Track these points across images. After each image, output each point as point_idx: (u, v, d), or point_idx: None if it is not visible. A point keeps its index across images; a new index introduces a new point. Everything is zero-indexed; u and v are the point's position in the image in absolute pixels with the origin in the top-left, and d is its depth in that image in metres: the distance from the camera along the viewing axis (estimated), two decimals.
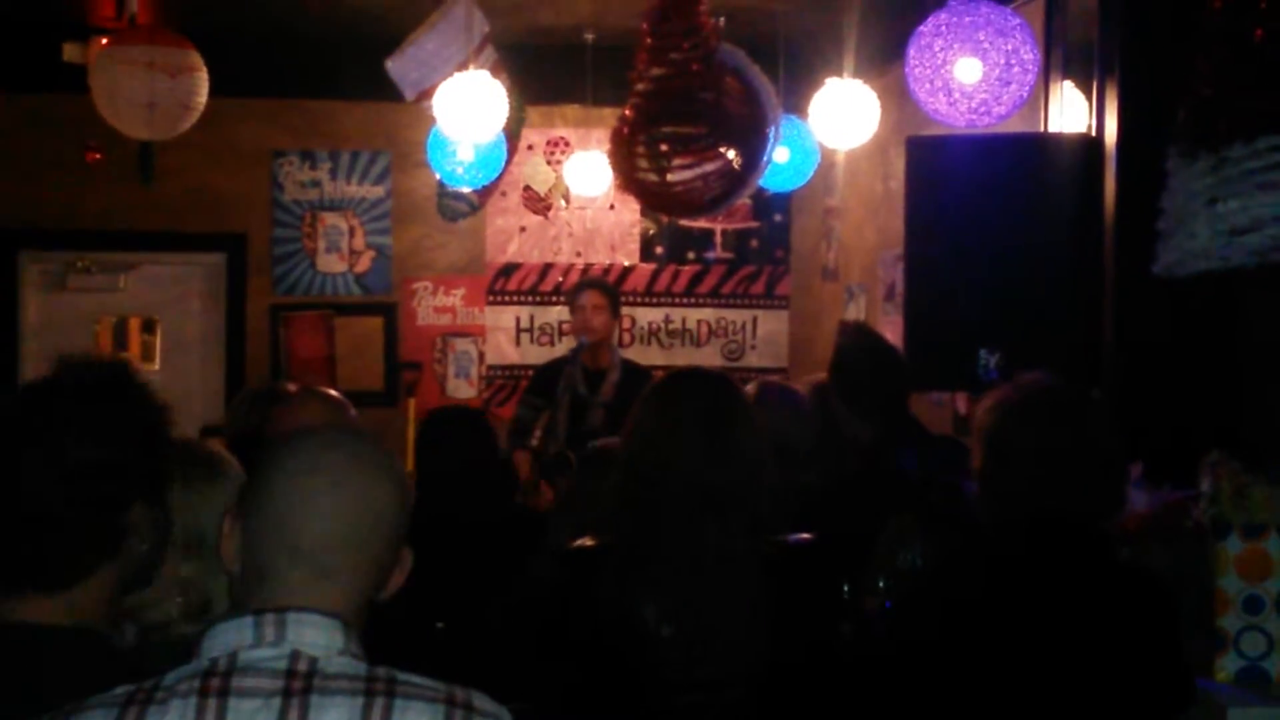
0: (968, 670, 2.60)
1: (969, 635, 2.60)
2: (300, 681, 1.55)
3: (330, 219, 8.17)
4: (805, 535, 2.84)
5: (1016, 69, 4.21)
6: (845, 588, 3.18)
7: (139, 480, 1.97)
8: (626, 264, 8.34)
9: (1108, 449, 2.68)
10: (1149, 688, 2.64)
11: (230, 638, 1.59)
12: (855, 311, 7.25)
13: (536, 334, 8.29)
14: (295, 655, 1.58)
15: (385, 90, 6.39)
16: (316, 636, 1.59)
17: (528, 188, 8.27)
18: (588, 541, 2.81)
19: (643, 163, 4.91)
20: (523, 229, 8.29)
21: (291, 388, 4.18)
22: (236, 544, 1.70)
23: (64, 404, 1.94)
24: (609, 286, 6.90)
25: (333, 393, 3.62)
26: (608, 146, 5.19)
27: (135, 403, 2.01)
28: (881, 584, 3.19)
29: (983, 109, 4.23)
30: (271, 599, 1.62)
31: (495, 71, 6.14)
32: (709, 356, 8.28)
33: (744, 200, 6.85)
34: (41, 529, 1.90)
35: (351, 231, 8.18)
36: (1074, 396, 2.77)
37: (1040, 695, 2.58)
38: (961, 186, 4.50)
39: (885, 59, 6.16)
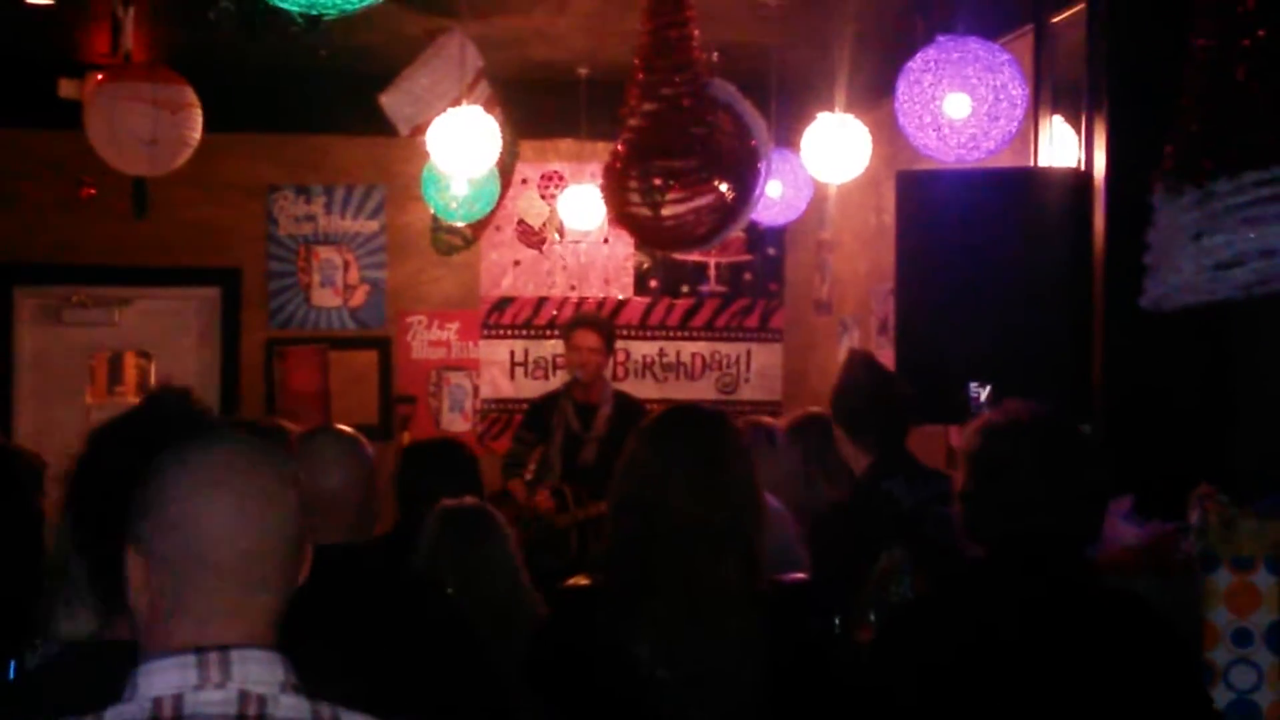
0: (970, 702, 2.56)
1: (971, 665, 2.54)
2: None
3: (325, 253, 8.19)
4: (800, 575, 2.83)
5: (1005, 104, 4.23)
6: (836, 621, 3.19)
7: None
8: (621, 297, 8.36)
9: (1091, 471, 2.67)
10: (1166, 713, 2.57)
11: (170, 678, 1.53)
12: (848, 344, 7.27)
13: (531, 368, 8.30)
14: (244, 698, 1.53)
15: (380, 125, 6.45)
16: (261, 673, 1.54)
17: (522, 222, 8.29)
18: (581, 580, 2.80)
19: (635, 197, 4.92)
20: (517, 263, 8.31)
21: (292, 426, 4.15)
22: (142, 576, 1.59)
23: None
24: (603, 324, 6.87)
25: (345, 428, 3.60)
26: (601, 181, 5.21)
27: None
28: (872, 617, 3.20)
29: (971, 144, 4.26)
30: (203, 631, 1.56)
31: (489, 106, 6.18)
32: (703, 390, 8.29)
33: (738, 234, 6.87)
34: None
35: (346, 266, 8.20)
36: (1057, 419, 2.77)
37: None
38: (952, 220, 4.51)
39: (877, 93, 6.20)
